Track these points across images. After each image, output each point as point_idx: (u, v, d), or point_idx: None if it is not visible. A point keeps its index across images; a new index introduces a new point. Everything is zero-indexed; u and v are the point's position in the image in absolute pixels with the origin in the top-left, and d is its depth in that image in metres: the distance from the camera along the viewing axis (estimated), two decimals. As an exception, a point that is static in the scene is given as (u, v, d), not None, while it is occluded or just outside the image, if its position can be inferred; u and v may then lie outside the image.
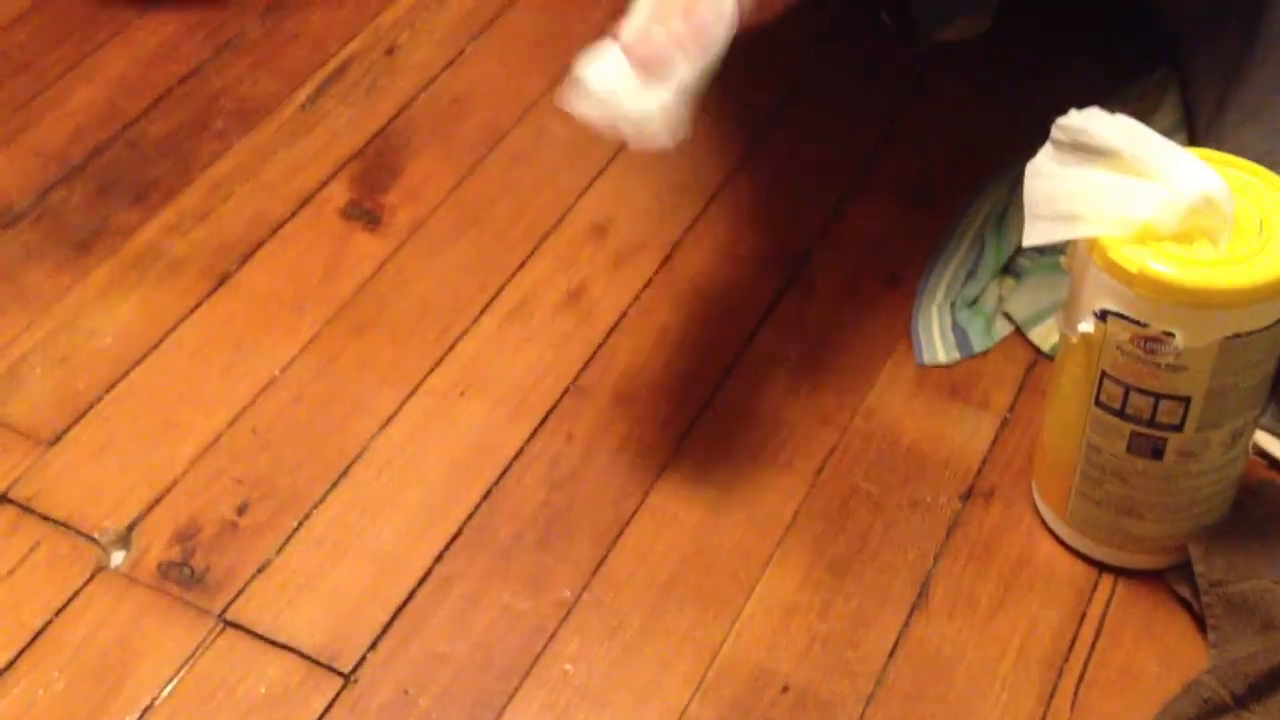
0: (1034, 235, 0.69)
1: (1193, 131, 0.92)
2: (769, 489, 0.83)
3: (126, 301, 0.94)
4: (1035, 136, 0.71)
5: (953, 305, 0.90)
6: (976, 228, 0.94)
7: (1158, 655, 0.75)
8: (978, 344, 0.89)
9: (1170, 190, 0.67)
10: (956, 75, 1.07)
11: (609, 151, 1.03)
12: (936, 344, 0.89)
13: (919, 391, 0.87)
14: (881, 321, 0.91)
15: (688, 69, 0.73)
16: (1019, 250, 0.92)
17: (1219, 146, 0.75)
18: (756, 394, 0.88)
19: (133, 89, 1.09)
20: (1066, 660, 0.75)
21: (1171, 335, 0.67)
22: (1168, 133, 0.70)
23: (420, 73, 1.10)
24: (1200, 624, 0.76)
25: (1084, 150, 0.69)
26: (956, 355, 0.88)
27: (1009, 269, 0.92)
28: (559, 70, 1.09)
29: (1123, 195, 0.67)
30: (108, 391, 0.88)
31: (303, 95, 1.08)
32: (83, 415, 0.87)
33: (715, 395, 0.88)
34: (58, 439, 0.86)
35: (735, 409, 0.87)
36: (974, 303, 0.90)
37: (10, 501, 0.83)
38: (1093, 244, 0.68)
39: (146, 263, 0.96)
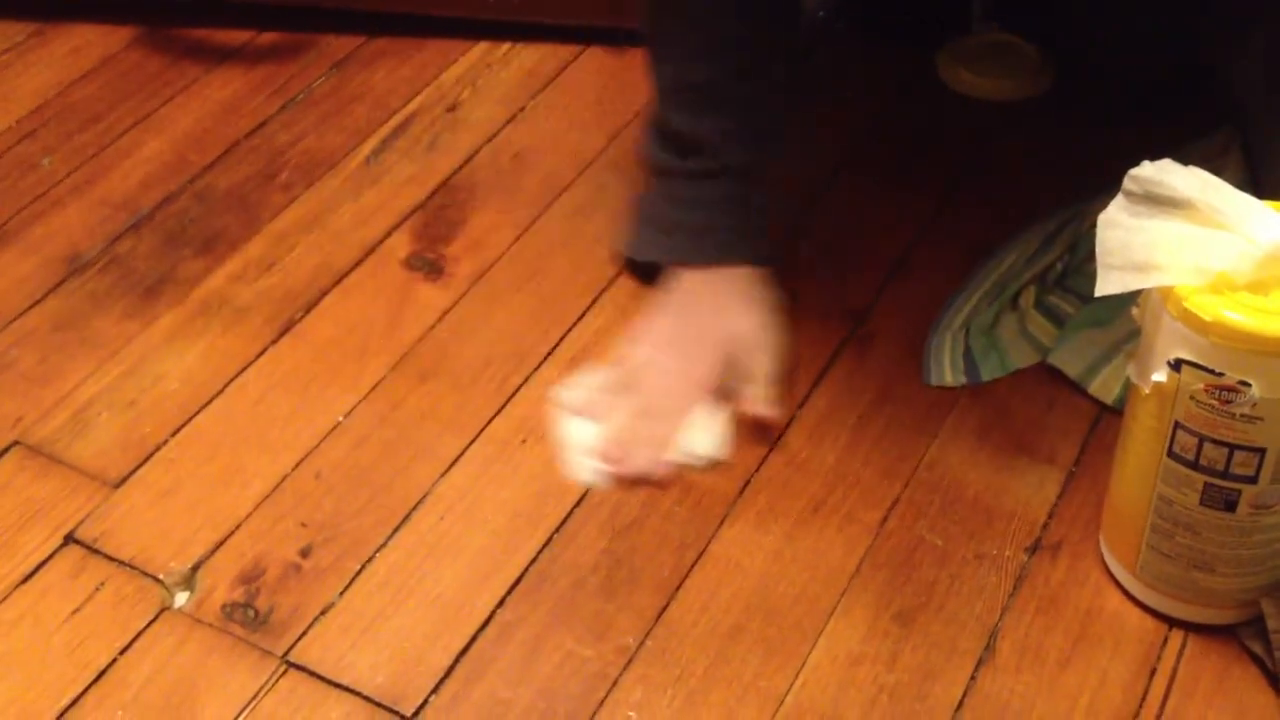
0: (1108, 285, 0.69)
1: (1258, 190, 0.93)
2: (832, 539, 0.83)
3: (193, 348, 0.95)
4: (1099, 191, 0.72)
5: (967, 332, 0.91)
6: (1006, 267, 0.95)
7: (1230, 712, 0.74)
8: (986, 373, 0.90)
9: (1246, 240, 0.67)
10: (1018, 135, 1.08)
11: (669, 207, 1.04)
12: (945, 367, 0.90)
13: (983, 445, 0.87)
14: (944, 375, 0.91)
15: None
16: (1049, 290, 0.93)
17: None
18: (818, 444, 0.88)
19: (200, 142, 1.11)
20: (1137, 716, 0.74)
21: (1247, 385, 0.67)
22: (1236, 187, 0.70)
23: (482, 129, 1.11)
24: (1273, 680, 0.75)
25: (1157, 201, 0.69)
26: (964, 379, 0.90)
27: (1040, 305, 0.92)
28: (618, 126, 1.11)
29: (1197, 245, 0.67)
30: (173, 435, 0.89)
31: (366, 150, 1.09)
32: (149, 458, 0.88)
33: (777, 445, 0.88)
34: (124, 481, 0.87)
35: (797, 459, 0.87)
36: (989, 330, 0.91)
37: (76, 542, 0.83)
38: (1167, 294, 0.68)
39: (212, 310, 0.97)
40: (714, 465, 0.86)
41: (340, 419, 0.90)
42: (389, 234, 1.03)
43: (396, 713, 0.75)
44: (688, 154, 0.91)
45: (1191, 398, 0.69)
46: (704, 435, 0.87)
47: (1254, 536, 0.73)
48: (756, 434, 0.88)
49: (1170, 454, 0.72)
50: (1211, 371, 0.68)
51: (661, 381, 0.88)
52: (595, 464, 0.86)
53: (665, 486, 0.84)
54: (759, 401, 0.87)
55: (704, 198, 0.92)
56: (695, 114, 0.90)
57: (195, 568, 0.82)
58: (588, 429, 0.87)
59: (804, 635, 0.78)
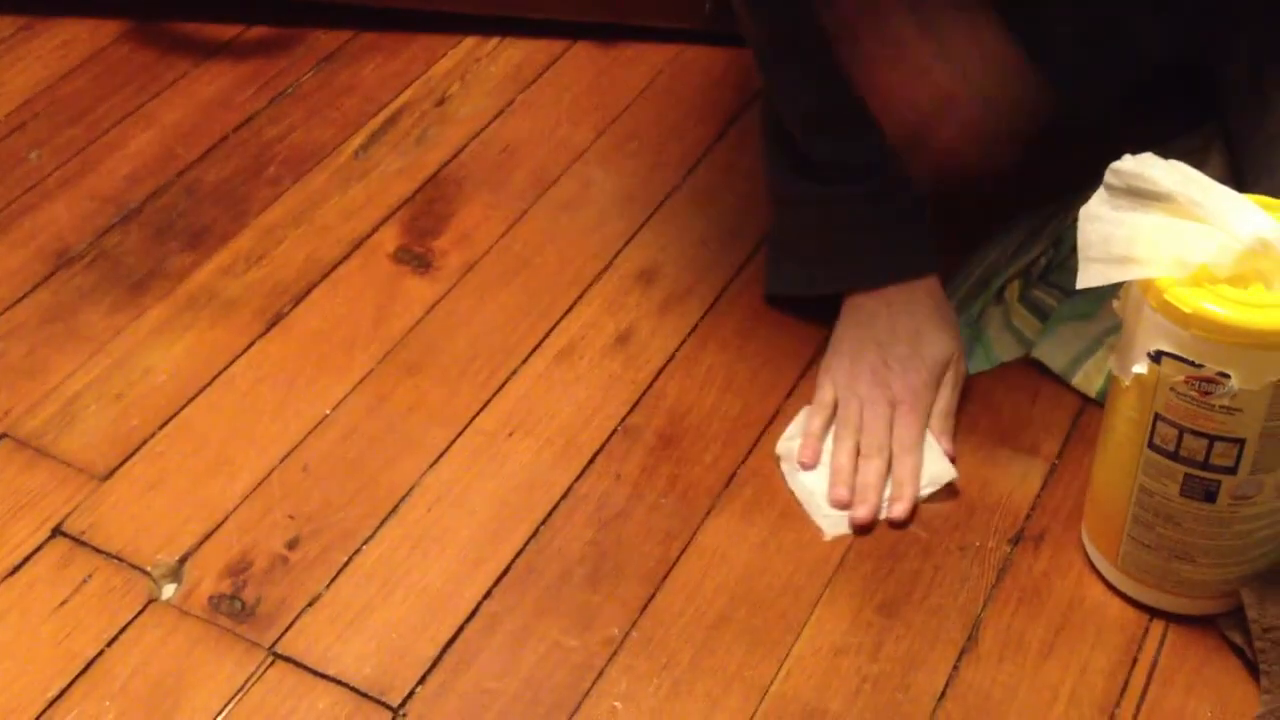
0: (1089, 278, 0.69)
1: (1239, 186, 0.93)
2: (817, 530, 0.83)
3: (181, 341, 0.95)
4: (1083, 186, 0.72)
5: None
6: (991, 261, 0.95)
7: (1210, 701, 0.75)
8: (971, 366, 0.90)
9: (1226, 233, 0.67)
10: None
11: (655, 200, 1.04)
12: None
13: (967, 437, 0.87)
14: (928, 368, 0.92)
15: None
16: (1033, 284, 0.94)
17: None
18: (804, 438, 0.88)
19: (189, 136, 1.11)
20: (1118, 705, 0.75)
21: (1226, 376, 0.67)
22: (1218, 182, 0.70)
23: (470, 123, 1.11)
24: (1253, 670, 0.75)
25: (1138, 195, 0.69)
26: None
27: (1024, 298, 0.93)
28: (606, 121, 1.12)
29: (1178, 238, 0.68)
30: (161, 428, 0.90)
31: (355, 143, 1.10)
32: (136, 450, 0.88)
33: (762, 436, 0.88)
34: (111, 473, 0.87)
35: (783, 452, 0.88)
36: (974, 324, 0.92)
37: (64, 534, 0.84)
38: (1147, 286, 0.69)
39: (200, 303, 0.97)
40: (949, 491, 0.84)
41: (328, 412, 0.90)
42: (377, 228, 1.03)
43: (383, 703, 0.76)
44: (842, 179, 0.88)
45: (1172, 389, 0.70)
46: (933, 463, 0.84)
47: (1234, 527, 0.73)
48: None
49: (1151, 445, 0.72)
50: (1191, 363, 0.68)
51: (875, 414, 0.85)
52: (839, 513, 0.83)
53: (903, 524, 0.82)
54: (940, 437, 0.85)
55: (875, 217, 0.88)
56: (844, 137, 0.87)
57: (183, 560, 0.82)
58: (818, 480, 0.85)
59: (788, 626, 0.78)
